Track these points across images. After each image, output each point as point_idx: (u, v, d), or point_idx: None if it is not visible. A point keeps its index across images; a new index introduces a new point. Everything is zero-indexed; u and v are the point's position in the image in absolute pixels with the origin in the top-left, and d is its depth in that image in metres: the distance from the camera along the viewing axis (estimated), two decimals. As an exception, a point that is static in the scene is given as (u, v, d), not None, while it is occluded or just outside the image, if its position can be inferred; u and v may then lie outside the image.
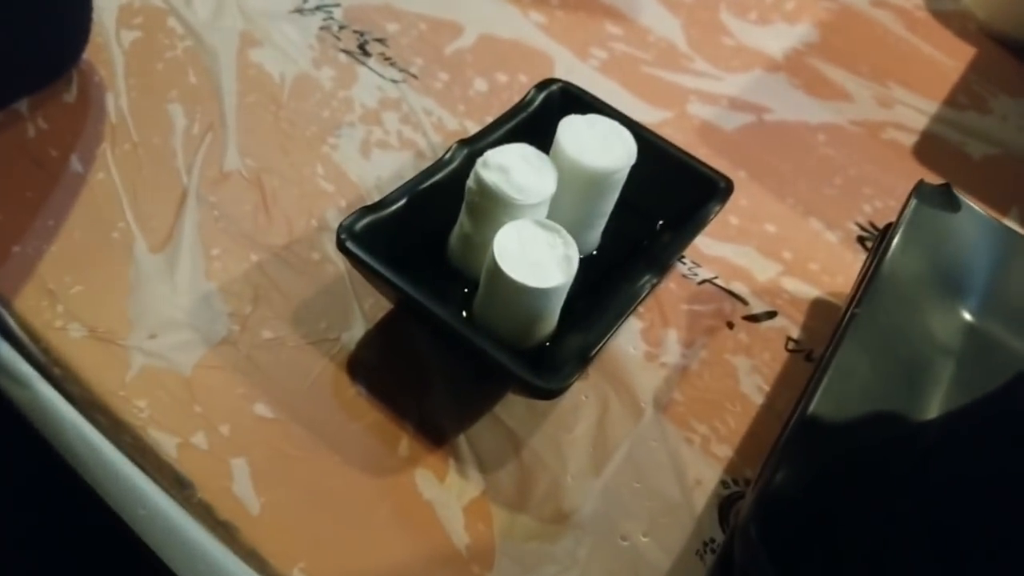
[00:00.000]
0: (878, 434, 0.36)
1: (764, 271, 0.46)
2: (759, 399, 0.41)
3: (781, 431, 0.36)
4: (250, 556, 0.32)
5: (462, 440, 0.36)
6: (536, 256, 0.34)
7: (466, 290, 0.38)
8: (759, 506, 0.31)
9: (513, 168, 0.36)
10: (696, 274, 0.45)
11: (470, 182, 0.36)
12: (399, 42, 0.52)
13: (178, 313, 0.38)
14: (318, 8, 0.53)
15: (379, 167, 0.45)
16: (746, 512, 0.31)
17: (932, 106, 0.59)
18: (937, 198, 0.43)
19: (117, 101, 0.45)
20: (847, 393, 0.36)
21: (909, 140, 0.56)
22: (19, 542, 0.44)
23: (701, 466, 0.38)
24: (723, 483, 0.37)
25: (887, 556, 0.33)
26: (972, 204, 0.43)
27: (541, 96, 0.43)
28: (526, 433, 0.37)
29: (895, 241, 0.40)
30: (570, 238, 0.34)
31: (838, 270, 0.47)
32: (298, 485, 0.34)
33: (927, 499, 0.35)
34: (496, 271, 0.33)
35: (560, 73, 0.53)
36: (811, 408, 0.34)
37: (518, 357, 0.33)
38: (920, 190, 0.43)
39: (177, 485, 0.33)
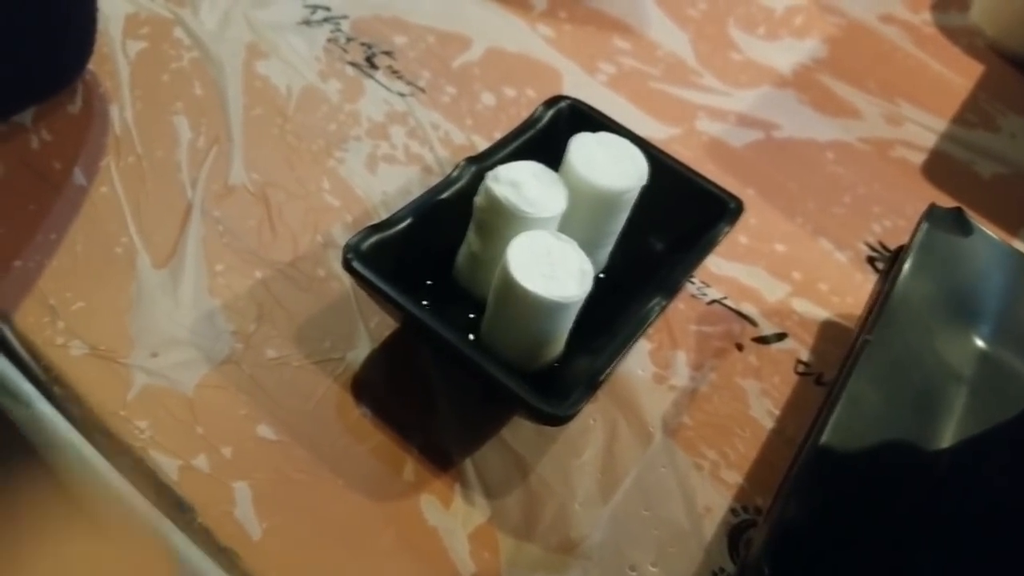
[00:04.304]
0: (890, 464, 0.35)
1: (773, 291, 0.46)
2: (769, 424, 0.40)
3: (792, 462, 0.35)
4: (251, 583, 0.32)
5: (468, 464, 0.36)
6: (550, 269, 0.33)
7: (472, 313, 0.37)
8: (770, 540, 0.31)
9: (524, 183, 0.35)
10: (705, 294, 0.44)
11: (479, 197, 0.36)
12: (407, 55, 0.52)
13: (181, 331, 0.37)
14: (326, 20, 0.52)
15: (385, 182, 0.45)
16: (757, 547, 0.31)
17: (941, 124, 0.58)
18: (949, 222, 0.42)
19: (122, 113, 0.44)
20: (858, 422, 0.35)
21: (918, 158, 0.55)
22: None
23: (710, 493, 0.37)
24: (732, 511, 0.37)
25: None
26: (984, 228, 0.42)
27: (550, 113, 0.42)
28: (534, 458, 0.37)
29: (906, 266, 0.40)
30: (583, 253, 0.34)
31: (847, 291, 0.47)
32: (300, 510, 0.33)
33: (941, 531, 0.34)
34: (509, 284, 0.32)
35: (568, 88, 0.52)
36: (822, 439, 0.34)
37: (525, 381, 0.32)
38: (931, 213, 0.42)
39: (177, 509, 0.33)
